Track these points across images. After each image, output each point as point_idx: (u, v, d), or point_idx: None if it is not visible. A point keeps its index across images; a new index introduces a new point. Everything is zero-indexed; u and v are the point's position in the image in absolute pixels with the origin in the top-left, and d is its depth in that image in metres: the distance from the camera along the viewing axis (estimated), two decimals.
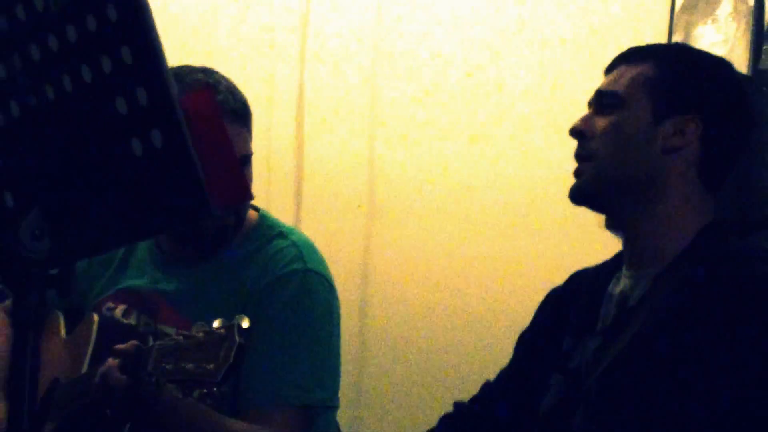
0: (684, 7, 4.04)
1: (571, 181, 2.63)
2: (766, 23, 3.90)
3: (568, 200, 2.65)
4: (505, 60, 4.30)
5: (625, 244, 2.66)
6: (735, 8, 3.92)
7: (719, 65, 2.74)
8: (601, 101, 2.61)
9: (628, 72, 2.60)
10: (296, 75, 4.43)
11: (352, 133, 4.38)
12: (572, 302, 2.74)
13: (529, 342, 2.82)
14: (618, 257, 2.72)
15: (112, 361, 2.70)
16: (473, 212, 4.35)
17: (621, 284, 2.64)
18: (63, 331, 3.01)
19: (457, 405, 2.83)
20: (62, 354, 2.97)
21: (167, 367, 2.55)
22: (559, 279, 2.84)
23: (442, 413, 2.81)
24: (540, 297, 2.91)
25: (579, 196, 2.64)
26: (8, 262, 2.22)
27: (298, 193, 4.41)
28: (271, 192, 4.25)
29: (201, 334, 2.52)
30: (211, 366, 2.46)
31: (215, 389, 2.50)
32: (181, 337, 2.58)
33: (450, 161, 4.35)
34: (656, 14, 4.14)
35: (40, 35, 2.16)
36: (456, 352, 4.25)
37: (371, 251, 4.37)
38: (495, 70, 4.31)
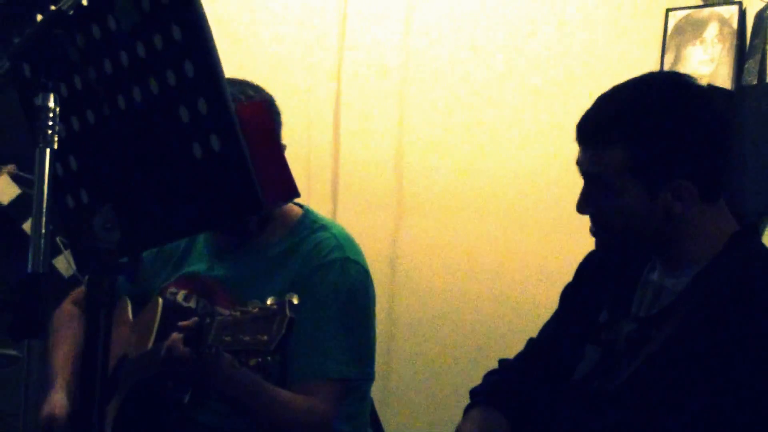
0: (675, 31, 4.00)
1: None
2: (747, 44, 3.89)
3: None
4: (516, 70, 4.30)
5: (662, 261, 2.57)
6: (720, 31, 3.90)
7: (686, 109, 2.48)
8: (590, 182, 2.49)
9: (604, 157, 2.42)
10: (333, 86, 4.43)
11: (382, 138, 4.38)
12: (609, 274, 2.66)
13: (571, 298, 2.75)
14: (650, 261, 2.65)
15: (176, 336, 2.72)
16: (491, 208, 4.33)
17: (657, 275, 2.57)
18: (130, 314, 3.04)
19: (502, 361, 2.80)
20: (129, 334, 3.01)
21: (226, 339, 2.57)
22: (571, 269, 2.81)
23: (463, 386, 2.80)
24: (551, 286, 2.90)
25: (609, 252, 2.62)
26: (84, 251, 2.26)
27: (335, 191, 4.41)
28: (310, 189, 4.26)
29: (256, 310, 2.54)
30: (266, 337, 2.48)
31: (269, 358, 2.51)
32: (239, 313, 2.59)
33: (470, 162, 4.34)
34: (650, 37, 4.10)
35: (113, 51, 2.17)
36: (477, 334, 4.24)
37: (399, 243, 4.36)
38: (511, 78, 4.30)
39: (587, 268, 2.75)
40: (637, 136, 2.41)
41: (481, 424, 2.62)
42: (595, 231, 2.54)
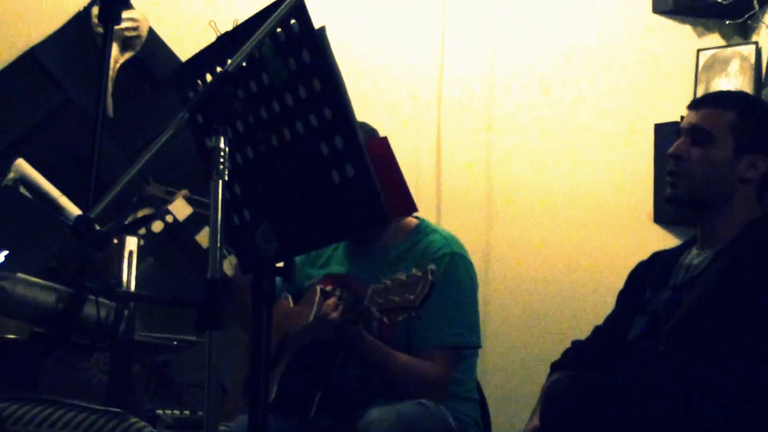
0: (705, 67, 4.06)
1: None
2: (763, 76, 3.91)
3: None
4: (583, 102, 4.29)
5: (700, 233, 2.67)
6: (741, 66, 3.95)
7: None
8: (695, 134, 2.60)
9: (717, 115, 2.59)
10: (434, 113, 4.40)
11: (474, 152, 4.35)
12: (653, 269, 2.74)
13: (623, 295, 2.81)
14: (687, 243, 2.74)
15: (332, 301, 2.79)
16: (570, 208, 4.30)
17: (689, 258, 2.66)
18: (291, 303, 3.10)
19: (574, 342, 2.83)
20: (291, 318, 3.04)
21: (378, 301, 2.62)
22: (633, 261, 2.85)
23: (546, 362, 2.81)
24: (618, 272, 2.90)
25: (674, 200, 2.66)
26: (248, 258, 2.35)
27: (438, 200, 4.40)
28: (417, 198, 4.23)
29: (404, 277, 2.58)
30: (412, 297, 2.53)
31: (413, 314, 2.56)
32: (389, 281, 2.64)
33: (547, 171, 4.31)
34: (684, 73, 4.13)
35: (267, 101, 2.21)
36: (558, 317, 4.20)
37: (491, 241, 4.34)
38: (574, 92, 4.30)
39: (636, 273, 2.82)
40: (749, 110, 2.64)
41: None
42: (673, 175, 2.63)
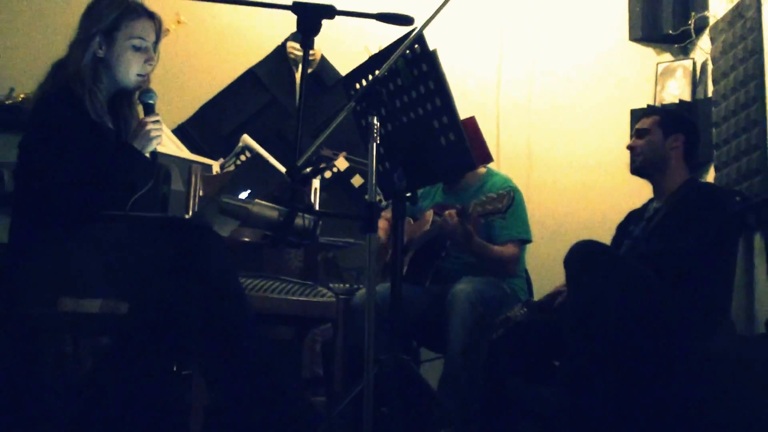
0: (661, 74, 3.96)
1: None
2: (697, 80, 3.83)
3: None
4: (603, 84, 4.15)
5: (654, 189, 2.67)
6: (683, 73, 3.89)
7: (684, 114, 2.92)
8: (639, 133, 2.66)
9: (649, 120, 2.65)
10: (494, 100, 4.27)
11: (519, 127, 4.27)
12: (633, 216, 2.71)
13: (619, 228, 2.74)
14: (650, 201, 2.73)
15: (451, 211, 2.67)
16: (598, 178, 4.09)
17: (652, 206, 2.66)
18: (412, 222, 3.01)
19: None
20: (413, 228, 2.96)
21: (478, 209, 2.54)
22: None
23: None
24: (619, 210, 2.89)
25: (634, 170, 2.67)
26: (388, 191, 2.34)
27: (497, 154, 4.19)
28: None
29: (494, 195, 2.52)
30: (500, 205, 2.47)
31: (501, 216, 2.51)
32: (484, 197, 2.56)
33: (566, 139, 4.21)
34: (650, 77, 4.01)
35: (400, 95, 2.24)
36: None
37: (531, 181, 4.21)
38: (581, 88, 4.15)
39: (621, 225, 2.76)
40: (667, 115, 2.68)
41: None
42: (633, 155, 2.65)
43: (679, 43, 3.99)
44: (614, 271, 2.22)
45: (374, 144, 1.94)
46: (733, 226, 2.58)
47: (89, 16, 2.09)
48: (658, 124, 2.64)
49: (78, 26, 2.10)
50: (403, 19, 1.79)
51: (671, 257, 2.38)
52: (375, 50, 3.53)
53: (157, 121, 2.13)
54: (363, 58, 2.61)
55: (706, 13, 3.78)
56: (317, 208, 2.81)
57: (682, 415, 2.20)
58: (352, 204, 3.62)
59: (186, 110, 3.94)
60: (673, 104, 3.85)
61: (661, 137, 2.62)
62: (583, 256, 2.26)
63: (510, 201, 2.43)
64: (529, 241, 2.95)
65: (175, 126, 3.84)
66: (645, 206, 2.73)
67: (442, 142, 2.15)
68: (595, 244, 2.31)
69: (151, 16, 2.13)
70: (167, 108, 2.21)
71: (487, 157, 2.66)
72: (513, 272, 2.86)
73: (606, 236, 2.78)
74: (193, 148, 3.62)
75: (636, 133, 2.69)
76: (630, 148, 2.68)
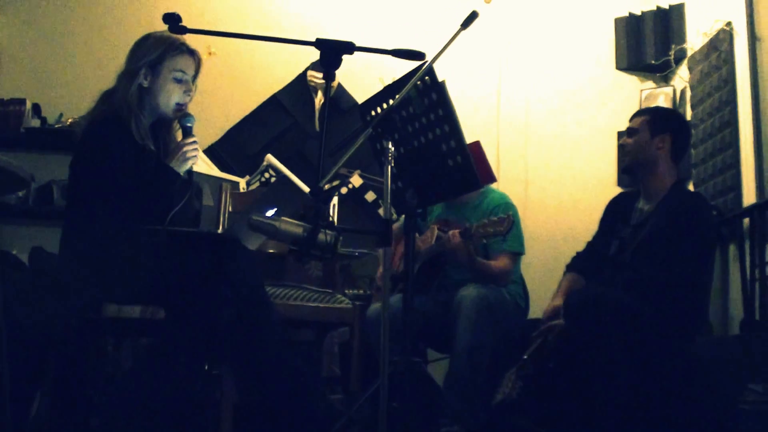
0: (644, 99, 3.91)
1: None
2: (677, 104, 3.77)
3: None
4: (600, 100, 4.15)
5: (643, 188, 2.52)
6: (664, 99, 3.83)
7: (674, 112, 2.76)
8: (629, 131, 2.52)
9: (638, 120, 2.52)
10: (494, 124, 4.27)
11: (516, 144, 4.24)
12: (618, 206, 2.60)
13: (603, 221, 2.62)
14: (636, 192, 2.58)
15: (454, 231, 2.61)
16: (589, 195, 4.02)
17: (640, 205, 2.52)
18: (418, 235, 2.92)
19: (578, 252, 2.65)
20: (419, 242, 2.80)
21: (481, 231, 2.48)
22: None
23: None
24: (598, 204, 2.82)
25: (624, 169, 2.58)
26: (400, 207, 2.30)
27: (498, 172, 4.13)
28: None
29: (495, 218, 2.46)
30: (501, 228, 2.41)
31: (501, 238, 2.46)
32: (486, 220, 2.48)
33: (561, 155, 4.17)
34: (633, 102, 3.95)
35: (411, 121, 2.21)
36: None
37: (528, 199, 4.20)
38: (573, 109, 4.17)
39: (609, 208, 2.66)
40: (655, 115, 2.52)
41: (570, 278, 2.59)
42: (622, 153, 2.56)
43: (661, 72, 3.98)
44: (608, 316, 2.15)
45: (389, 166, 1.92)
46: (713, 238, 2.52)
47: (137, 51, 2.11)
48: (646, 123, 2.50)
49: (126, 59, 2.12)
50: (416, 55, 1.77)
51: (659, 282, 2.29)
52: (387, 80, 3.52)
53: (194, 143, 2.14)
54: (374, 84, 2.59)
55: (684, 45, 3.78)
56: (337, 223, 2.79)
57: (663, 412, 2.17)
58: (366, 217, 3.58)
59: (216, 132, 3.96)
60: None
61: (648, 137, 2.47)
62: (578, 306, 2.20)
63: (510, 225, 2.37)
64: (522, 253, 2.89)
65: (205, 147, 3.87)
66: (632, 201, 2.57)
67: (450, 163, 2.13)
68: (590, 293, 2.25)
69: (192, 53, 2.14)
70: (198, 130, 2.20)
71: (491, 178, 2.63)
72: (505, 283, 2.80)
73: None
74: (222, 167, 3.65)
75: (627, 131, 2.56)
76: (620, 146, 2.59)
